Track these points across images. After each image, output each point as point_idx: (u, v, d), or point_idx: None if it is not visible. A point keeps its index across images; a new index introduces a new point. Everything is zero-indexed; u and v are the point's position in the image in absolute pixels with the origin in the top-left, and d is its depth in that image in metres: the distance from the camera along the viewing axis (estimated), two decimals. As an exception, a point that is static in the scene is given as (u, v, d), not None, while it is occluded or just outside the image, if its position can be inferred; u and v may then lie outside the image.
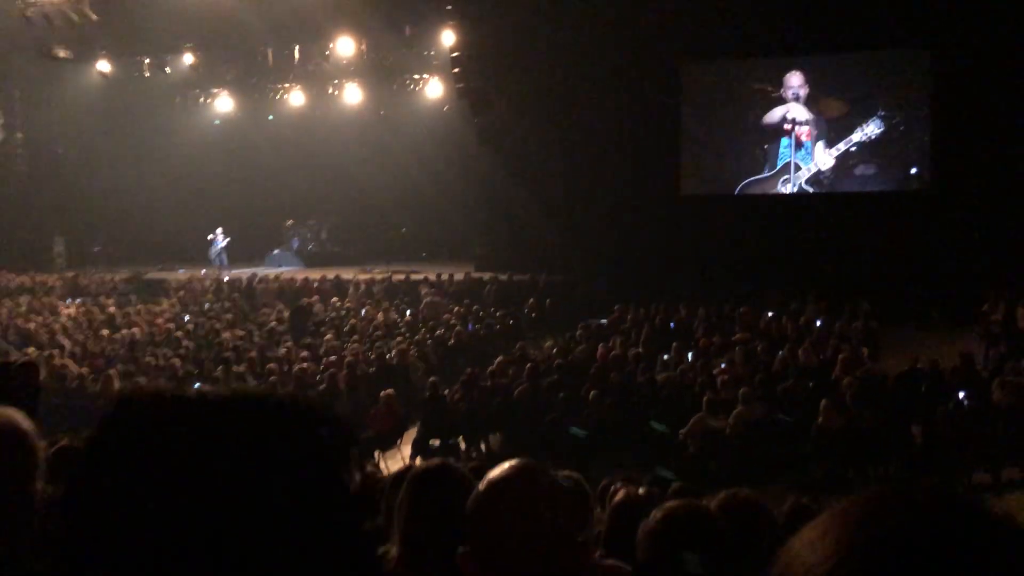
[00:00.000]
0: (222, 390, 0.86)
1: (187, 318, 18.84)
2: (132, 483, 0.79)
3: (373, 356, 14.65)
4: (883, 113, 20.10)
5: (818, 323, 15.30)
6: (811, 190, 20.85)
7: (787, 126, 20.83)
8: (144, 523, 0.77)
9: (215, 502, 0.78)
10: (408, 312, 18.56)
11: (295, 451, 0.83)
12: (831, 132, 20.58)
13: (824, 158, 20.66)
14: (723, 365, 12.75)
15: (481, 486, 1.69)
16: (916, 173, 20.08)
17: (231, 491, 0.79)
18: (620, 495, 3.50)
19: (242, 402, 0.86)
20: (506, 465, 1.72)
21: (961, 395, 10.75)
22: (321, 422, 0.86)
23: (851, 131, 20.34)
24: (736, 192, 21.32)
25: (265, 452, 0.81)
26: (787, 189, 21.01)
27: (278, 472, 0.81)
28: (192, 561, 0.77)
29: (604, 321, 16.71)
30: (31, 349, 15.46)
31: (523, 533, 1.59)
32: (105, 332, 17.26)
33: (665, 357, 13.56)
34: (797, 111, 20.76)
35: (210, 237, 25.28)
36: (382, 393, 12.32)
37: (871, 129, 20.22)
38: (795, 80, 20.65)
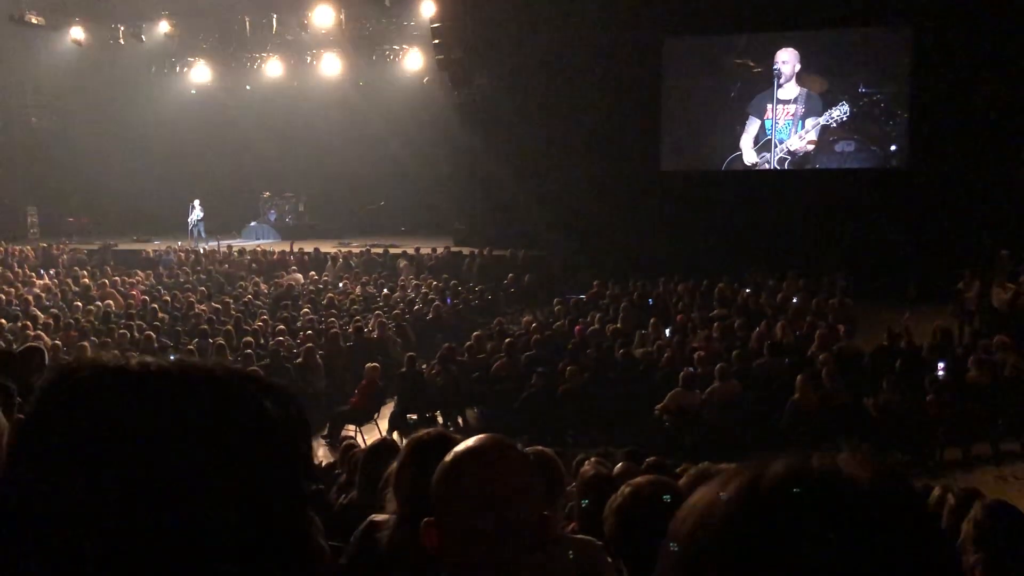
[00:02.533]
0: (165, 361, 0.84)
1: (162, 290, 18.67)
2: (71, 457, 0.76)
3: (351, 330, 14.57)
4: (863, 90, 20.12)
5: (795, 300, 15.36)
6: (790, 167, 20.88)
7: (769, 103, 20.81)
8: (83, 499, 0.75)
9: (157, 477, 0.76)
10: (385, 289, 18.47)
11: (241, 425, 0.81)
12: (811, 109, 20.59)
13: (804, 135, 20.67)
14: (700, 341, 12.80)
15: (447, 458, 1.67)
16: (896, 150, 20.15)
17: (173, 465, 0.77)
18: (590, 471, 3.50)
19: (186, 374, 0.83)
20: (473, 439, 1.70)
21: (940, 365, 10.82)
22: (269, 395, 0.84)
23: (830, 108, 20.35)
24: (716, 168, 21.31)
25: (207, 426, 0.79)
26: (767, 165, 21.03)
27: (221, 448, 0.79)
28: (130, 538, 0.75)
29: (583, 296, 16.74)
30: (3, 320, 15.28)
31: (486, 506, 1.56)
32: (79, 304, 17.08)
33: (643, 332, 13.58)
34: (782, 87, 20.71)
35: (191, 216, 24.95)
36: (368, 365, 12.27)
37: (838, 114, 20.25)
38: (785, 56, 20.57)
